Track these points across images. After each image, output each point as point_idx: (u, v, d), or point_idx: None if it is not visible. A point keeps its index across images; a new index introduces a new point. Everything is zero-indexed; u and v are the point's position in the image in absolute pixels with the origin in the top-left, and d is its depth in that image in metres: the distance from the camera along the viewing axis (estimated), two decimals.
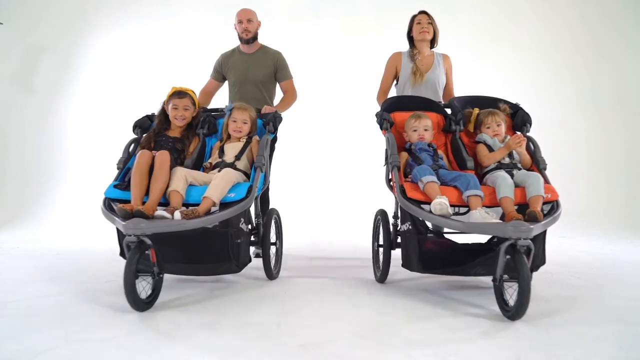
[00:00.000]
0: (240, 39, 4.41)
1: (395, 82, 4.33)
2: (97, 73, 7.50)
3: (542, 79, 7.32)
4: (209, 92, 4.54)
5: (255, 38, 4.39)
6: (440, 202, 2.97)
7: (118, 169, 3.34)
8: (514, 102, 3.76)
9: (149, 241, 2.74)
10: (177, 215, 2.84)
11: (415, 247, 3.19)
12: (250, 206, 3.18)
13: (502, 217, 3.09)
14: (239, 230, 3.17)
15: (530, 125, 3.63)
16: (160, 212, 2.87)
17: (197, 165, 3.48)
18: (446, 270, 3.23)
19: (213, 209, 3.03)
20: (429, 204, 3.06)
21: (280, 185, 6.06)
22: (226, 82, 4.52)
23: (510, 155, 3.44)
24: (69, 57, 7.59)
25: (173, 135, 3.57)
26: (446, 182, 3.24)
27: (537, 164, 3.42)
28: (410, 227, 3.23)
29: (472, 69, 6.42)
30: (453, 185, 3.21)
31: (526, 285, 2.60)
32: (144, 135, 3.60)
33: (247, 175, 3.40)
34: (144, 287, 2.81)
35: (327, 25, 7.20)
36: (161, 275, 2.89)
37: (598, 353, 2.21)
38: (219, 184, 3.06)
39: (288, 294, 3.20)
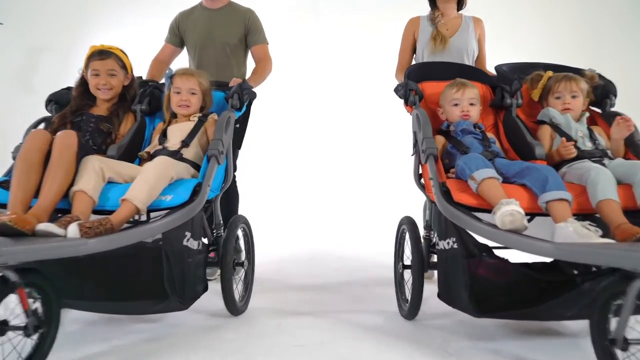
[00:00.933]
0: None
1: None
2: None
3: None
4: (162, 62, 2.87)
5: None
6: (512, 211, 1.53)
7: (13, 158, 1.88)
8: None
9: (14, 277, 1.28)
10: (73, 230, 1.41)
11: (464, 276, 1.72)
12: (197, 212, 1.73)
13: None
14: (184, 250, 1.71)
15: (615, 96, 2.16)
16: (46, 225, 1.43)
17: (130, 154, 2.03)
18: (513, 314, 1.73)
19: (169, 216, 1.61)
20: (488, 211, 1.60)
21: (277, 187, 4.68)
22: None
23: (592, 138, 1.97)
24: (69, 57, 6.15)
25: (98, 113, 2.14)
26: (508, 177, 1.76)
27: (635, 151, 1.94)
28: (455, 246, 1.74)
29: None
30: (520, 182, 1.74)
31: None
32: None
33: (200, 168, 1.95)
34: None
35: (327, 20, 5.70)
36: (42, 331, 1.44)
37: None
38: (146, 181, 1.65)
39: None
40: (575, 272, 1.88)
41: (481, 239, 1.73)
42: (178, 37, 2.82)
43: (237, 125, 2.26)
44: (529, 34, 5.99)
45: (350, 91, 5.16)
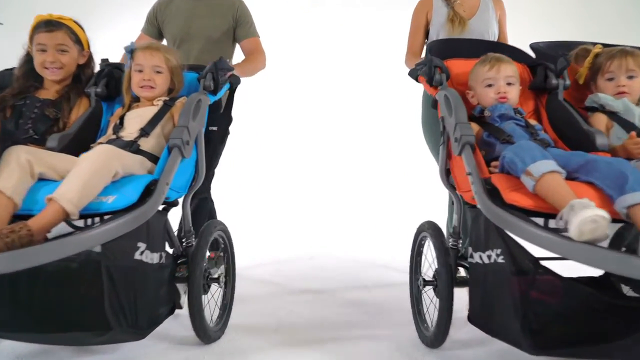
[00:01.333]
0: None
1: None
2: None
3: None
4: None
5: None
6: (595, 217, 1.02)
7: None
8: None
9: None
10: None
11: (513, 299, 1.22)
12: (152, 218, 1.21)
13: None
14: (137, 266, 1.21)
15: None
16: None
17: (80, 146, 1.49)
18: (579, 351, 1.21)
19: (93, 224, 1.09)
20: (551, 216, 1.10)
21: (277, 187, 4.09)
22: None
23: None
24: None
25: (45, 96, 1.65)
26: (569, 172, 1.26)
27: None
28: (499, 260, 1.24)
29: None
30: (585, 179, 1.22)
31: None
32: None
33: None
34: None
35: (324, 10, 5.16)
36: None
37: None
38: (79, 175, 1.15)
39: None
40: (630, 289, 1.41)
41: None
42: (156, 27, 2.28)
43: (215, 128, 1.74)
44: (530, 33, 5.51)
45: (350, 85, 4.65)
